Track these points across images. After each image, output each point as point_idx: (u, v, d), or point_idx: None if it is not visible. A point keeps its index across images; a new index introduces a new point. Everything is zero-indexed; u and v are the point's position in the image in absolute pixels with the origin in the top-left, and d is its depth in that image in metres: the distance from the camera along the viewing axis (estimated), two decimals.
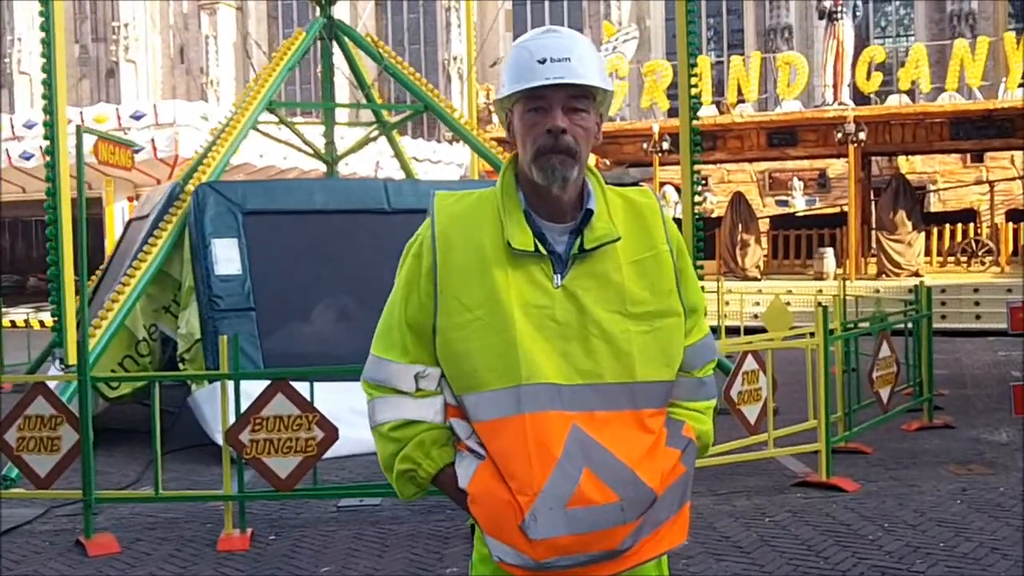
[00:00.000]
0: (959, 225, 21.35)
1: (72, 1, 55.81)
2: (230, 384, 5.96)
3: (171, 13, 54.03)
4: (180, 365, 8.79)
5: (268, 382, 5.88)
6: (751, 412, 7.01)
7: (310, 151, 11.43)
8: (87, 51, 56.40)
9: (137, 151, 8.85)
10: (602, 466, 2.00)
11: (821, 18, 24.46)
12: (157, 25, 54.16)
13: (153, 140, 22.08)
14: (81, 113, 22.98)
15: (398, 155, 12.42)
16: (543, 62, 2.06)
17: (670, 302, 2.11)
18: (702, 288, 8.77)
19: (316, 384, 6.06)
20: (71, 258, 7.85)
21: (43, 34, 7.67)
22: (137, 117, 23.17)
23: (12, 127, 22.69)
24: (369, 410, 2.19)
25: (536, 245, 2.07)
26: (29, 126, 22.65)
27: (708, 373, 2.25)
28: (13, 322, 19.84)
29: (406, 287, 2.15)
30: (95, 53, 56.13)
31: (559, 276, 2.07)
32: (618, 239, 2.09)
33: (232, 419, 5.89)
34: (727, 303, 15.16)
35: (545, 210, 2.12)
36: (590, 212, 2.11)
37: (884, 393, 8.00)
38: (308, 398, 5.86)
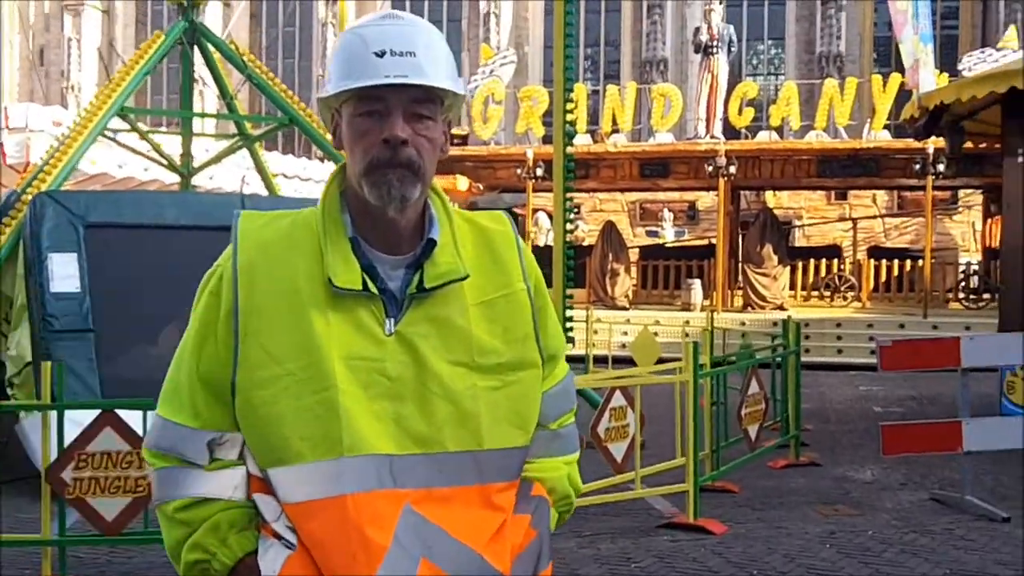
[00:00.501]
0: (823, 260, 21.80)
1: None
2: (53, 415, 5.38)
3: (31, 12, 51.79)
4: (8, 391, 8.09)
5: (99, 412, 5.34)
6: (618, 450, 6.76)
7: (164, 162, 10.78)
8: None
9: None
10: (443, 555, 1.64)
11: (697, 52, 24.80)
12: (16, 25, 51.85)
13: (2, 145, 20.87)
14: None
15: (260, 170, 11.83)
16: (381, 55, 1.67)
17: (525, 351, 1.75)
18: (569, 319, 8.54)
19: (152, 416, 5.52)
20: None
21: None
22: None
23: None
24: (152, 484, 1.77)
25: (364, 282, 1.69)
26: None
27: (567, 423, 1.90)
28: None
29: (200, 333, 1.74)
30: None
31: (392, 321, 1.69)
32: (465, 277, 1.73)
33: (54, 454, 5.31)
34: (596, 332, 15.02)
35: (377, 238, 1.74)
36: (432, 243, 1.74)
37: (752, 430, 7.88)
38: (141, 431, 5.32)
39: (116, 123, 9.73)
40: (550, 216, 13.49)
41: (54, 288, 7.99)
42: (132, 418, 5.32)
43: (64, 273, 8.08)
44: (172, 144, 11.18)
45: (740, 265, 21.75)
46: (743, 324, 17.32)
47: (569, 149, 9.54)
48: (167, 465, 1.73)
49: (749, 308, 20.53)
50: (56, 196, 8.38)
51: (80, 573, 5.55)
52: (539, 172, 20.14)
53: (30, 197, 8.29)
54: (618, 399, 6.76)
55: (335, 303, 1.67)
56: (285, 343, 1.66)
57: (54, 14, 50.99)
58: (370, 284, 1.69)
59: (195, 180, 11.19)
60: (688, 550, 6.10)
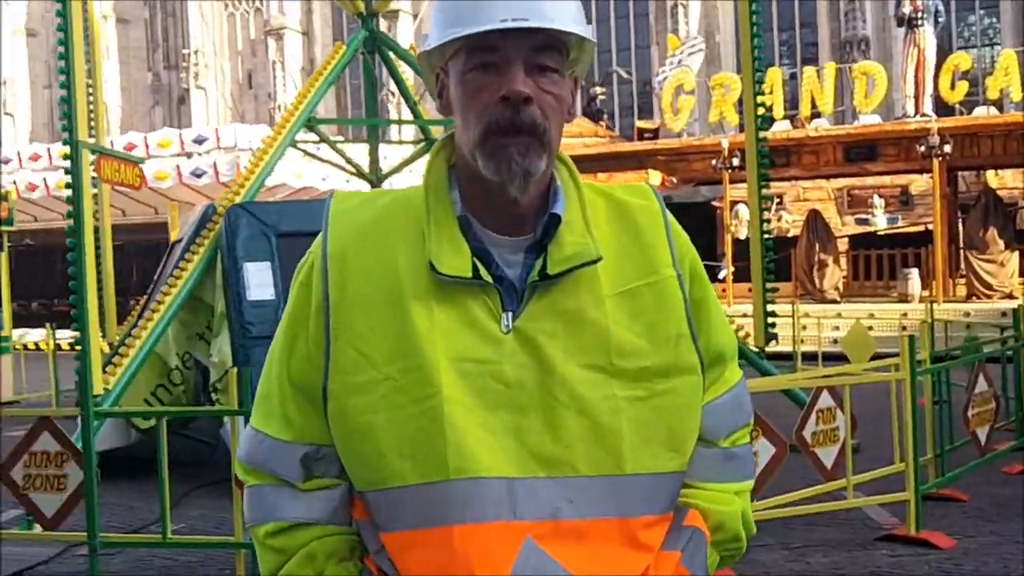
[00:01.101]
0: None
1: (145, 31, 56.80)
2: (241, 420, 5.38)
3: (239, 39, 54.57)
4: (213, 395, 8.32)
5: None
6: (827, 455, 6.21)
7: (353, 170, 10.89)
8: (159, 79, 57.24)
9: (142, 164, 8.33)
10: None
11: (900, 25, 23.37)
12: (226, 52, 54.73)
13: (216, 164, 21.90)
14: (146, 139, 23.03)
15: None
16: None
17: (679, 353, 1.42)
18: (772, 314, 7.98)
19: None
20: (95, 284, 7.38)
21: (62, 48, 7.21)
22: (199, 141, 23.03)
23: (182, 143, 22.44)
24: (244, 502, 1.52)
25: (476, 268, 1.39)
26: (199, 141, 22.42)
27: (740, 441, 1.54)
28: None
29: (290, 330, 1.48)
30: (167, 80, 56.93)
31: (510, 315, 1.38)
32: (598, 260, 1.40)
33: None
34: (804, 327, 14.28)
35: (492, 217, 1.43)
36: (556, 219, 1.42)
37: (982, 432, 7.12)
38: None
39: (304, 135, 9.88)
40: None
41: (251, 296, 8.17)
42: None
43: (259, 281, 8.25)
44: (357, 153, 11.30)
45: (961, 252, 20.35)
46: (967, 315, 16.09)
47: (764, 135, 9.03)
48: (258, 483, 1.48)
49: (974, 298, 19.12)
50: (249, 207, 8.57)
51: None
52: (735, 162, 19.38)
53: (225, 209, 8.49)
54: (826, 400, 6.22)
55: (441, 295, 1.38)
56: (382, 343, 1.38)
57: (259, 40, 53.57)
58: (483, 271, 1.39)
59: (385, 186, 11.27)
60: (910, 566, 5.51)
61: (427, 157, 1.52)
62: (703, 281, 1.49)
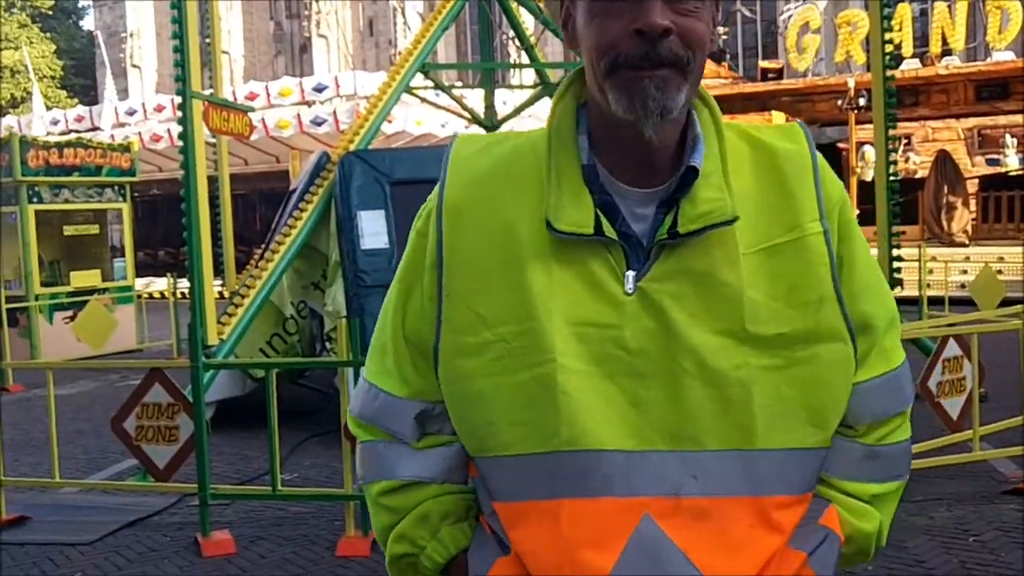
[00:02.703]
0: None
1: None
2: (349, 371, 5.43)
3: None
4: (328, 344, 8.44)
5: None
6: (952, 406, 6.01)
7: (468, 116, 10.85)
8: (281, 28, 58.12)
9: (250, 114, 8.35)
10: None
11: None
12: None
13: (335, 112, 22.13)
14: (267, 88, 23.41)
15: None
16: None
17: (820, 317, 1.28)
18: (898, 258, 7.71)
19: None
20: (208, 234, 7.45)
21: None
22: (319, 89, 23.27)
23: (302, 91, 22.77)
24: (357, 458, 1.49)
25: (599, 223, 1.28)
26: (319, 89, 22.69)
27: (892, 439, 1.39)
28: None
29: (405, 282, 1.42)
30: (289, 29, 57.75)
31: (634, 275, 1.28)
32: (734, 220, 1.27)
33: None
34: (931, 272, 13.79)
35: (623, 164, 1.32)
36: (693, 171, 1.29)
37: None
38: None
39: (418, 81, 9.86)
40: None
41: (364, 245, 8.22)
42: None
43: (373, 230, 8.29)
44: (473, 99, 11.24)
45: None
46: None
47: (892, 74, 8.65)
48: (371, 439, 1.44)
49: None
50: (363, 155, 8.62)
51: None
52: (861, 102, 18.68)
53: (338, 158, 8.55)
54: (952, 349, 6.00)
55: (561, 252, 1.28)
56: (497, 302, 1.29)
57: None
58: (606, 226, 1.28)
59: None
60: None
61: (545, 101, 1.43)
62: (854, 237, 1.35)
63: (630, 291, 1.27)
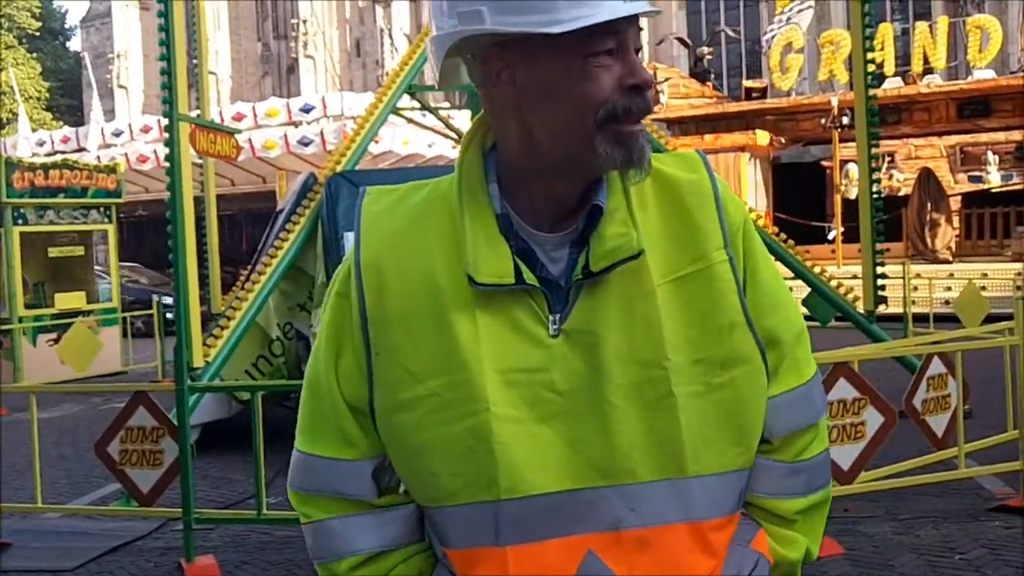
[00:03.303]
0: None
1: (254, 1, 57.73)
2: None
3: (347, 7, 55.02)
4: None
5: None
6: (938, 423, 6.02)
7: (455, 137, 10.87)
8: (269, 48, 58.14)
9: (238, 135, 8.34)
10: None
11: None
12: (335, 20, 55.26)
13: (322, 132, 22.11)
14: (254, 108, 23.39)
15: None
16: None
17: (734, 342, 1.32)
18: (882, 275, 7.75)
19: None
20: (194, 256, 7.41)
21: (162, 20, 7.27)
22: (306, 110, 23.23)
23: (289, 112, 22.82)
24: (307, 537, 1.43)
25: (519, 272, 1.30)
26: (306, 110, 22.72)
27: (809, 452, 1.42)
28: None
29: (333, 343, 1.40)
30: (276, 50, 57.81)
31: (557, 318, 1.30)
32: (639, 254, 1.30)
33: None
34: (915, 289, 13.85)
35: (535, 209, 1.34)
36: (599, 210, 1.32)
37: None
38: None
39: (405, 102, 9.88)
40: None
41: None
42: None
43: None
44: (460, 119, 11.26)
45: None
46: None
47: (875, 93, 8.73)
48: (323, 517, 1.41)
49: None
50: (350, 176, 8.62)
51: None
52: (845, 121, 18.84)
53: (325, 178, 8.55)
54: (936, 366, 6.02)
55: (484, 302, 1.30)
56: (425, 356, 1.31)
57: (367, 8, 53.92)
58: (526, 273, 1.30)
59: None
60: None
61: None
62: (755, 253, 1.38)
63: (554, 334, 1.29)
